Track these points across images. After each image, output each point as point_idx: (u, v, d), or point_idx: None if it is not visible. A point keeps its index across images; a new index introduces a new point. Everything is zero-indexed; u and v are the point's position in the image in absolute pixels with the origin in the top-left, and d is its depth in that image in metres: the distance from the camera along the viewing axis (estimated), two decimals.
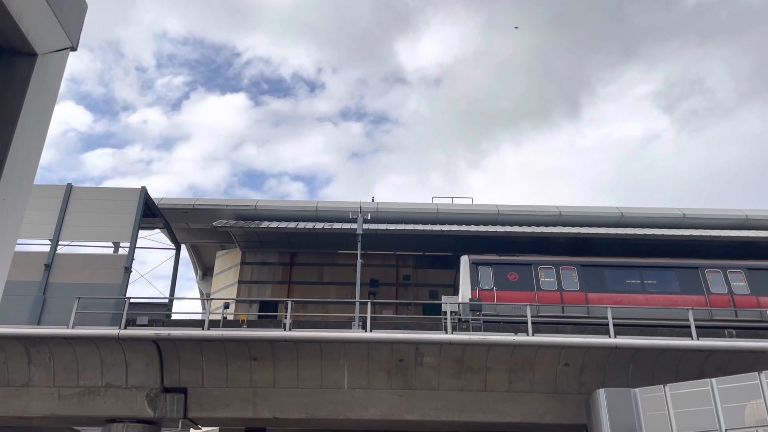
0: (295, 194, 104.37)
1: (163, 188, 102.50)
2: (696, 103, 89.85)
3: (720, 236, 25.19)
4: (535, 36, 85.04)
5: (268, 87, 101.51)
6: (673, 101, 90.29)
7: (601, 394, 18.59)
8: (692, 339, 19.46)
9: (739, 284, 22.38)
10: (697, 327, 19.65)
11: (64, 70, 2.73)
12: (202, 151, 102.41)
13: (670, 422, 17.47)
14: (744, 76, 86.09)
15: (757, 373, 16.64)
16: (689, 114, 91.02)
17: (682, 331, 19.89)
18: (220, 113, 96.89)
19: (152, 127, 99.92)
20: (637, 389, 18.53)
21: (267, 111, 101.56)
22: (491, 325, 20.54)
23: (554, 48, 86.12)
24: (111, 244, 23.30)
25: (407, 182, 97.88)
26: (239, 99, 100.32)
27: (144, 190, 23.17)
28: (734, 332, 20.18)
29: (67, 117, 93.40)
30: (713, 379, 17.32)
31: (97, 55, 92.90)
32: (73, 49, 2.70)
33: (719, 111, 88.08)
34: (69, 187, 22.88)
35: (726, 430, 16.51)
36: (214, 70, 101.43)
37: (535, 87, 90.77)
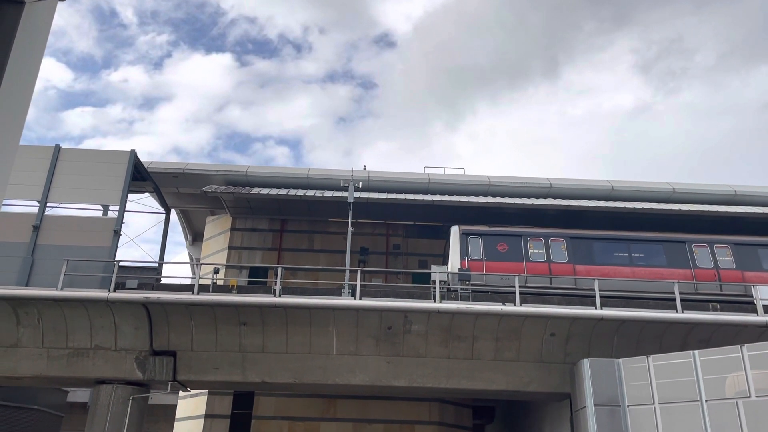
0: (281, 159, 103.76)
1: (146, 149, 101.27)
2: (673, 63, 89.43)
3: (709, 211, 25.34)
4: None
5: (254, 47, 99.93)
6: (651, 60, 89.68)
7: (586, 363, 18.88)
8: (677, 312, 19.73)
9: (725, 259, 22.61)
10: (682, 300, 19.93)
11: (53, 21, 2.63)
12: (185, 112, 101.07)
13: (652, 392, 17.81)
14: (729, 39, 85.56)
15: (739, 346, 16.94)
16: (665, 74, 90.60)
17: (667, 303, 20.16)
18: (204, 73, 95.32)
19: (134, 86, 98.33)
20: (620, 360, 18.84)
21: (252, 72, 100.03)
22: (479, 295, 20.71)
23: (531, 2, 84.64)
24: (100, 207, 23.14)
25: (395, 148, 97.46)
26: (224, 59, 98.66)
27: (134, 153, 22.94)
28: (718, 306, 20.47)
29: (46, 73, 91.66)
30: (696, 351, 17.61)
31: (77, 10, 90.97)
32: None
33: (696, 71, 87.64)
34: (57, 149, 22.61)
35: (707, 400, 16.86)
36: (199, 29, 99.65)
37: (512, 42, 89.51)
